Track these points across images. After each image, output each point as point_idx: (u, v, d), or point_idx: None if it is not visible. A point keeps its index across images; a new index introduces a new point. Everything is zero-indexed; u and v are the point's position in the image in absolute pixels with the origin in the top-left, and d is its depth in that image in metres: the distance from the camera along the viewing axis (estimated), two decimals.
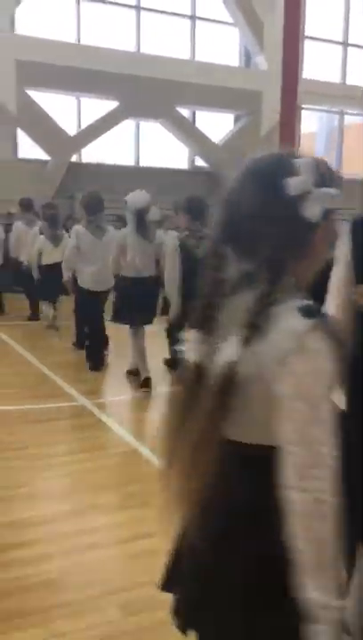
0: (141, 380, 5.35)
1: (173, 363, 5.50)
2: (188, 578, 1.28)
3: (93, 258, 5.83)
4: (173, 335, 5.24)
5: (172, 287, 4.69)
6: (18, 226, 8.69)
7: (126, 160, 15.83)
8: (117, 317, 5.45)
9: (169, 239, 4.95)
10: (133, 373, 5.61)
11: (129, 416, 4.71)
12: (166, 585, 1.38)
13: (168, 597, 2.34)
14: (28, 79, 13.42)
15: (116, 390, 5.48)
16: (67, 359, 6.48)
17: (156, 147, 16.05)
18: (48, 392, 5.26)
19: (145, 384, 5.29)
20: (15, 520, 2.98)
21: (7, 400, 4.97)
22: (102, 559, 2.64)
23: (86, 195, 6.10)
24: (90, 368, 5.97)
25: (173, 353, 5.21)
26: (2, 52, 12.82)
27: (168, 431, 1.19)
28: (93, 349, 6.09)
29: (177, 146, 16.15)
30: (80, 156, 15.15)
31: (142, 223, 5.32)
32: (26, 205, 8.78)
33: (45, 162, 14.11)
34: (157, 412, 4.95)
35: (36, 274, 7.69)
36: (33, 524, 2.94)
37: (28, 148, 14.32)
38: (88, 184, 12.15)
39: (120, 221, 7.42)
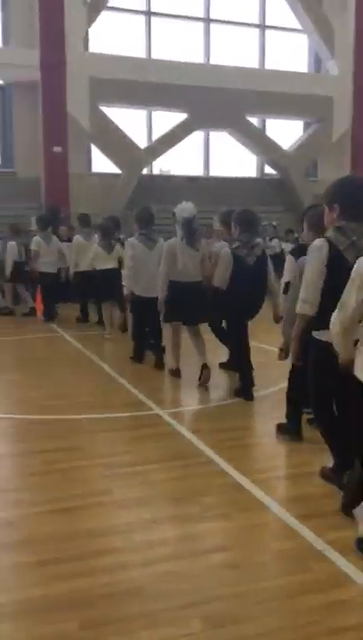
0: (172, 370, 6.02)
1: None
2: None
3: (145, 267, 6.31)
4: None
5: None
6: (77, 239, 9.33)
7: (196, 170, 15.94)
8: (170, 317, 5.91)
9: (222, 248, 5.36)
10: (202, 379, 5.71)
11: (204, 426, 4.70)
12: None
13: (251, 612, 2.32)
14: (100, 95, 13.81)
15: (191, 400, 5.50)
16: (141, 368, 6.56)
17: (224, 156, 16.08)
18: (123, 401, 5.35)
19: (175, 373, 5.98)
20: (95, 528, 3.03)
21: (83, 409, 5.08)
22: (182, 570, 2.64)
23: (138, 209, 6.70)
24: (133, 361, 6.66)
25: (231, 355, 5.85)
26: (76, 71, 13.25)
27: None
28: (140, 346, 6.65)
29: (246, 154, 16.12)
30: (151, 168, 15.39)
31: (190, 232, 5.70)
32: (84, 220, 9.52)
33: (117, 175, 14.42)
34: (232, 421, 4.92)
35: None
36: (112, 533, 2.98)
37: (102, 163, 14.69)
38: (158, 195, 12.36)
39: None
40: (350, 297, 2.67)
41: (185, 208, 5.69)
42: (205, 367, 5.67)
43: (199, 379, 5.67)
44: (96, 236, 8.62)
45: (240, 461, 3.86)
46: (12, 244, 10.28)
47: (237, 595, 2.48)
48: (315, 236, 3.66)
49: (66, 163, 13.42)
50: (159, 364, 6.40)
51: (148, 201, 10.28)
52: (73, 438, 4.38)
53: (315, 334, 3.26)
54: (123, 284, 6.70)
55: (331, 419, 3.42)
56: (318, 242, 3.19)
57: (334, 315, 2.77)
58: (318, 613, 2.35)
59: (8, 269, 10.26)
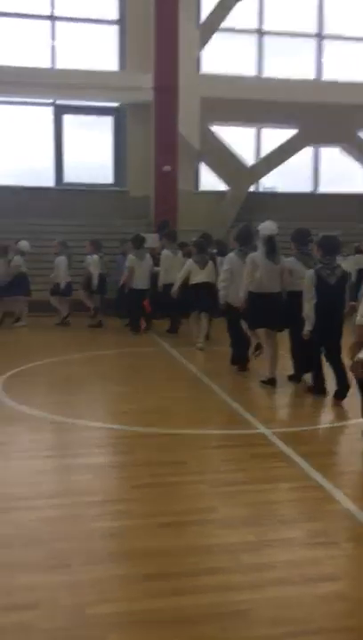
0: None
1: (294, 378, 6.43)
2: None
3: (240, 278, 6.70)
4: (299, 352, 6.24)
5: (309, 308, 5.65)
6: (165, 253, 9.89)
7: (304, 187, 15.70)
8: (254, 325, 6.49)
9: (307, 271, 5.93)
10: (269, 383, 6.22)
11: (311, 448, 4.55)
12: None
13: None
14: (211, 115, 13.99)
15: (297, 420, 5.36)
16: (246, 385, 6.51)
17: (333, 172, 15.73)
18: (227, 418, 5.31)
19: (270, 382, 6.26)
20: (200, 545, 3.01)
21: (186, 423, 5.10)
22: (290, 597, 2.55)
23: (239, 228, 7.37)
24: (238, 369, 7.01)
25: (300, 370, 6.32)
26: (188, 92, 13.51)
27: None
28: (241, 352, 7.07)
29: (356, 170, 15.68)
30: (257, 185, 15.36)
31: (271, 248, 6.27)
32: (171, 236, 10.22)
33: (224, 192, 14.52)
34: (341, 445, 4.75)
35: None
36: (218, 552, 2.94)
37: (209, 180, 14.85)
38: (265, 213, 12.27)
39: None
40: None
41: (267, 226, 6.31)
42: (260, 345, 6.45)
43: (255, 350, 6.62)
44: (179, 251, 9.67)
45: (351, 488, 3.70)
46: (95, 257, 10.79)
47: (346, 629, 2.36)
48: None
49: (175, 181, 13.68)
50: (240, 362, 7.08)
51: (254, 217, 10.25)
52: (177, 452, 4.39)
53: None
54: (220, 294, 7.14)
55: None
56: None
57: None
58: None
59: (95, 281, 10.79)
